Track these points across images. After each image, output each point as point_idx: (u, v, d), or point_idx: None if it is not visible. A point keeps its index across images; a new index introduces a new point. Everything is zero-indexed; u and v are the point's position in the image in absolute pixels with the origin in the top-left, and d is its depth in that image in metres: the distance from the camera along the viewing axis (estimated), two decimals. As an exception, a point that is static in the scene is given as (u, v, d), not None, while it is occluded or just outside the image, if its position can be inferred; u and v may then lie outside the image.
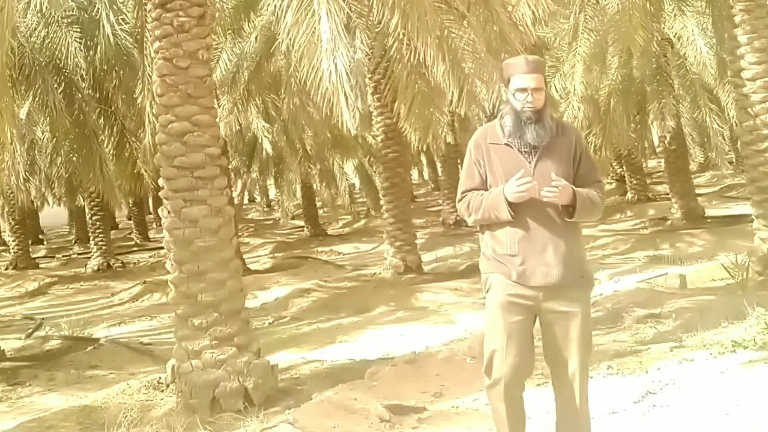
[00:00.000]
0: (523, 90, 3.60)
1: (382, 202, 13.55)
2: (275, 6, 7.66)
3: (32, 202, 21.57)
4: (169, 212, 6.41)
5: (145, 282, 15.06)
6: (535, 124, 3.59)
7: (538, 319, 3.67)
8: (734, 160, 22.61)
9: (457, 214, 20.91)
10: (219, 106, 10.84)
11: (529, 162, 3.60)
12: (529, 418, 4.37)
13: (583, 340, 3.60)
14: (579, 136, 3.78)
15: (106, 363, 8.72)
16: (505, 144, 3.64)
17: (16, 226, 20.52)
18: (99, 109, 14.40)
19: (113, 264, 18.76)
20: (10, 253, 20.86)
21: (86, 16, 13.84)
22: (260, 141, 18.74)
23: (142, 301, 13.94)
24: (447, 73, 8.08)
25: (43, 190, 22.40)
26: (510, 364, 3.57)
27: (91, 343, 9.72)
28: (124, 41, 13.10)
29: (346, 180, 25.27)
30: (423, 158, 33.96)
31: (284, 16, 6.46)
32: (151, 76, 7.98)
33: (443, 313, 9.99)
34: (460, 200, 3.77)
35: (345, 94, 6.00)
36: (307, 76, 6.33)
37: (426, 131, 10.85)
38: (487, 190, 3.66)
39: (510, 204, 3.52)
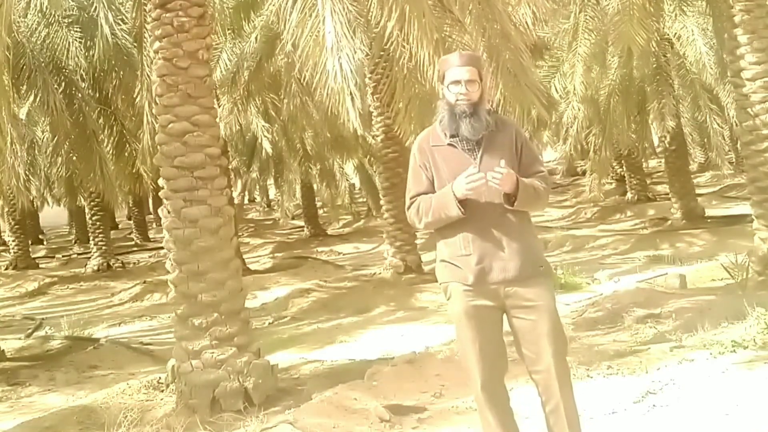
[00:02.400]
0: (457, 82, 3.58)
1: (382, 202, 13.55)
2: (279, 6, 7.67)
3: (32, 202, 21.58)
4: (169, 212, 6.41)
5: (145, 282, 15.06)
6: (470, 117, 3.56)
7: (506, 316, 3.62)
8: (734, 160, 22.62)
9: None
10: (219, 106, 10.84)
11: (473, 158, 3.58)
12: (527, 419, 4.38)
13: (554, 332, 3.53)
14: (518, 129, 3.76)
15: (106, 363, 8.72)
16: (448, 144, 3.62)
17: (16, 226, 20.53)
18: (99, 109, 14.41)
19: (113, 264, 18.77)
20: (10, 253, 20.88)
21: (86, 16, 13.85)
22: (260, 141, 18.77)
23: (142, 301, 13.94)
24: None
25: (42, 190, 22.42)
26: (486, 372, 3.56)
27: (91, 343, 9.72)
28: (123, 41, 13.11)
29: (346, 180, 25.28)
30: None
31: (289, 17, 6.47)
32: (150, 76, 7.98)
33: (443, 313, 9.96)
34: (409, 207, 3.72)
35: (351, 93, 6.01)
36: (312, 76, 6.34)
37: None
38: (435, 192, 3.62)
39: (459, 201, 3.49)
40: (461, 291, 3.58)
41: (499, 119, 3.75)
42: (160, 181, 6.54)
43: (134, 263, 20.20)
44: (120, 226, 32.49)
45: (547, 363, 3.51)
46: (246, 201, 38.32)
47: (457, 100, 3.58)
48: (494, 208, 3.54)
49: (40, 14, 13.35)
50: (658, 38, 13.75)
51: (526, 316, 3.54)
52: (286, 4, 6.58)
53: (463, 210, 3.49)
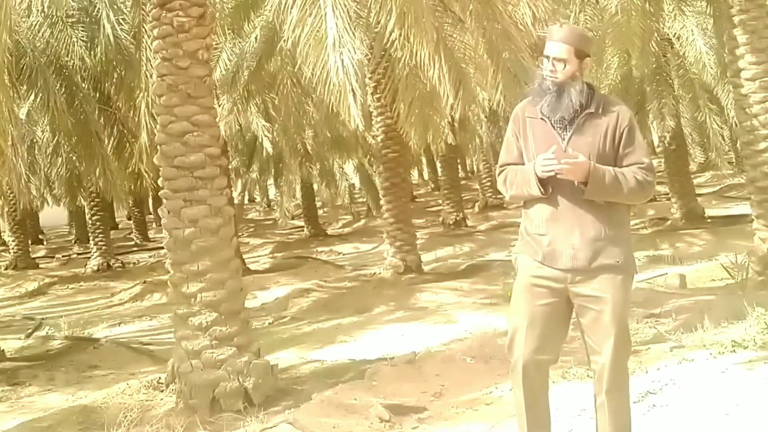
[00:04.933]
0: (546, 57, 3.49)
1: (382, 202, 13.56)
2: (280, 2, 7.67)
3: (32, 202, 21.56)
4: (168, 212, 6.41)
5: (145, 282, 15.05)
6: (555, 95, 3.44)
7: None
8: (734, 160, 22.61)
9: (456, 214, 20.99)
10: (219, 106, 10.84)
11: (562, 138, 3.46)
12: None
13: (616, 331, 3.41)
14: (624, 114, 3.49)
15: (106, 363, 8.72)
16: (541, 118, 3.51)
17: (16, 226, 20.53)
18: (99, 109, 14.42)
19: (113, 264, 18.76)
20: (10, 253, 20.87)
21: (87, 16, 13.85)
22: (260, 141, 18.75)
23: (142, 301, 13.93)
24: (444, 75, 8.07)
25: (42, 190, 22.42)
26: (529, 346, 3.45)
27: (91, 343, 9.72)
28: (125, 41, 13.12)
29: (346, 180, 25.27)
30: (423, 158, 33.97)
31: (290, 13, 6.48)
32: (149, 76, 7.98)
33: (443, 313, 9.98)
34: (499, 174, 3.65)
35: (352, 89, 6.00)
36: (313, 72, 6.34)
37: (424, 133, 10.85)
38: (524, 164, 3.54)
39: (541, 181, 3.39)
40: (528, 264, 3.50)
41: (606, 101, 3.55)
42: (160, 181, 6.54)
43: (134, 263, 20.19)
44: (120, 226, 32.48)
45: (603, 359, 3.42)
46: (246, 201, 38.30)
47: (545, 76, 3.49)
48: (576, 190, 3.41)
49: (42, 15, 13.35)
50: (658, 38, 13.75)
51: (591, 306, 3.44)
52: (287, 1, 6.58)
53: (543, 190, 3.41)
